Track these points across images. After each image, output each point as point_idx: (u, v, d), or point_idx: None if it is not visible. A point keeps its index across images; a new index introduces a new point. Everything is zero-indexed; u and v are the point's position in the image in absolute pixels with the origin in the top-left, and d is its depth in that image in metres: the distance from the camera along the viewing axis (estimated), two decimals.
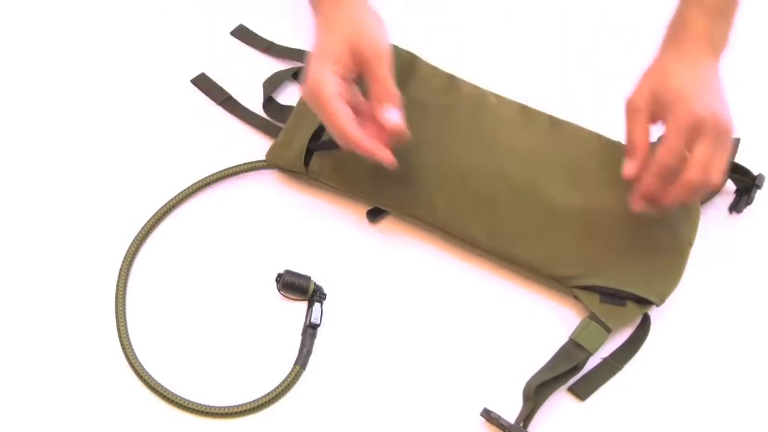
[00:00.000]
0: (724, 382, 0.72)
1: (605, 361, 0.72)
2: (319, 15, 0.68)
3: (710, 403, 0.71)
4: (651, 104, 0.68)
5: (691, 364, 0.73)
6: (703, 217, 0.77)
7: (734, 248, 0.78)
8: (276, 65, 0.89)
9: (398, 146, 0.70)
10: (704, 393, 0.72)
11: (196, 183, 0.80)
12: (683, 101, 0.65)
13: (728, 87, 0.69)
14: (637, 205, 0.70)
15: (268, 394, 0.70)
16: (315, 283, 0.75)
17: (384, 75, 0.66)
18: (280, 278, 0.75)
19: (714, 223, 0.79)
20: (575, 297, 0.74)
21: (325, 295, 0.75)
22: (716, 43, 0.70)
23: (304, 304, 0.75)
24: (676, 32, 0.71)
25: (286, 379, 0.71)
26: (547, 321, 0.75)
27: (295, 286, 0.75)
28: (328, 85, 0.65)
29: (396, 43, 0.84)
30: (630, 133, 0.69)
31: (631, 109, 0.69)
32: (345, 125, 0.66)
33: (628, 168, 0.69)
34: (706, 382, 0.72)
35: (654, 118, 0.68)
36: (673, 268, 0.74)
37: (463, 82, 0.83)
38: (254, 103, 0.86)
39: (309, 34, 0.89)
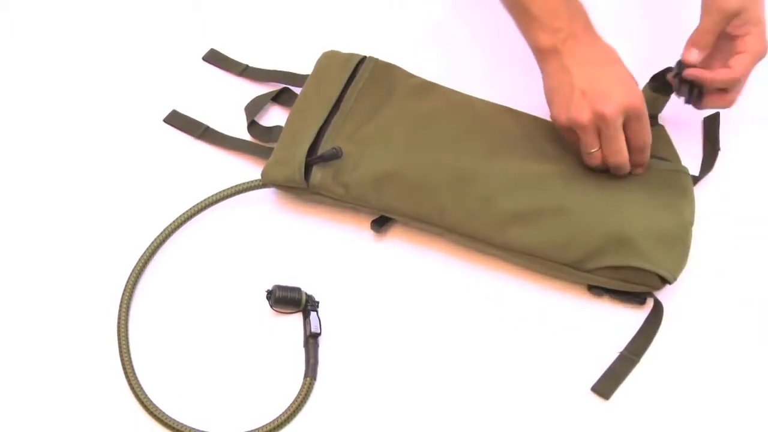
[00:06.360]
0: (739, 364, 0.73)
1: (622, 355, 0.73)
2: (576, 46, 0.75)
3: (728, 387, 0.72)
4: (730, 18, 0.75)
5: (706, 349, 0.73)
6: (699, 202, 0.78)
7: (735, 229, 0.79)
8: (253, 88, 0.89)
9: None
10: (721, 378, 0.72)
11: (191, 209, 0.78)
12: (760, 30, 0.75)
13: None
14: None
15: (285, 411, 0.70)
16: (306, 293, 0.75)
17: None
18: (270, 295, 0.75)
19: (712, 206, 0.80)
20: (589, 288, 0.75)
21: (317, 302, 0.75)
22: None
23: (296, 318, 0.75)
24: None
25: (300, 393, 0.70)
26: (560, 319, 0.75)
27: (288, 299, 0.74)
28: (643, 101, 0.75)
29: (376, 54, 0.85)
30: (703, 28, 0.76)
31: (720, 10, 0.75)
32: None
33: (691, 55, 0.76)
34: (722, 368, 0.73)
35: (724, 29, 0.76)
36: (678, 245, 0.75)
37: (445, 88, 0.85)
38: (234, 129, 0.85)
39: (282, 54, 0.90)
